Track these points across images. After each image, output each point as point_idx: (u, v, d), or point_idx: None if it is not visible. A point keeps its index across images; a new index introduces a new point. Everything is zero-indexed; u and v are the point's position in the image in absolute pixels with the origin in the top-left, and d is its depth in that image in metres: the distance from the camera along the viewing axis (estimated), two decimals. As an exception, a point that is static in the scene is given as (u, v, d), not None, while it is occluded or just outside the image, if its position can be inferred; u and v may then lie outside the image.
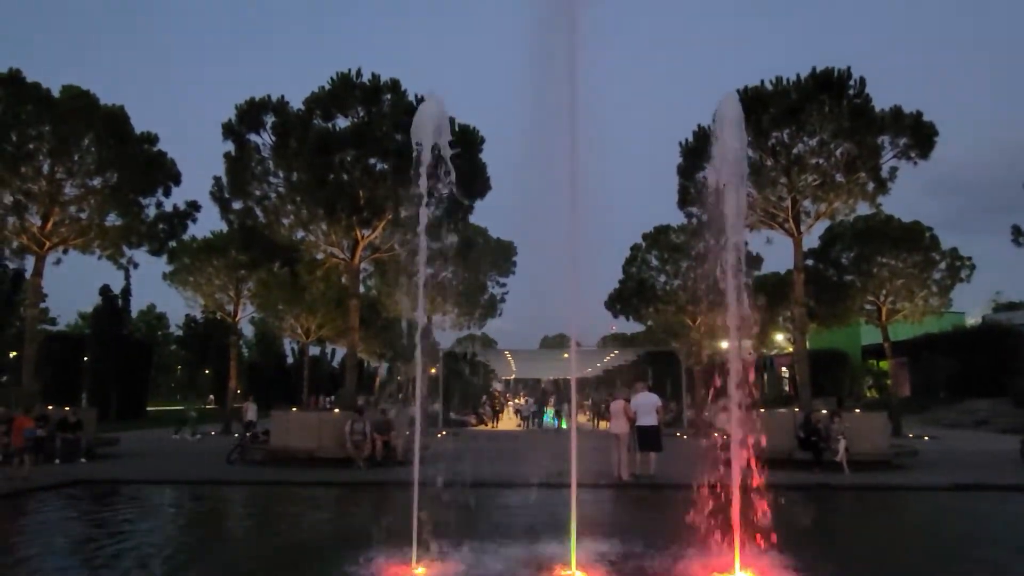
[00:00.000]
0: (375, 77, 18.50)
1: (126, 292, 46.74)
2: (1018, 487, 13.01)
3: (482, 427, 33.27)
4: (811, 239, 24.11)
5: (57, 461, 15.70)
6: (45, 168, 18.60)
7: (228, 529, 10.03)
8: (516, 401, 41.56)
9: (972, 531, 9.87)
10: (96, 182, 19.42)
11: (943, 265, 26.69)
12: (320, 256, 21.43)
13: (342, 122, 18.76)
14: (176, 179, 21.21)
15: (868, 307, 27.69)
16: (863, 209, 20.07)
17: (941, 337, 35.90)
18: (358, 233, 18.81)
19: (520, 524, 7.87)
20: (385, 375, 51.96)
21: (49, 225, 18.79)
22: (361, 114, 18.61)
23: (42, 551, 7.84)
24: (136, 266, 23.16)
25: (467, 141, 19.32)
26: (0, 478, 12.55)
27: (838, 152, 18.08)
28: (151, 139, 20.57)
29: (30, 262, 19.58)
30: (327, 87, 18.56)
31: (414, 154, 7.00)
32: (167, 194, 21.16)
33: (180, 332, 68.70)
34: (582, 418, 34.71)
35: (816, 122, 17.44)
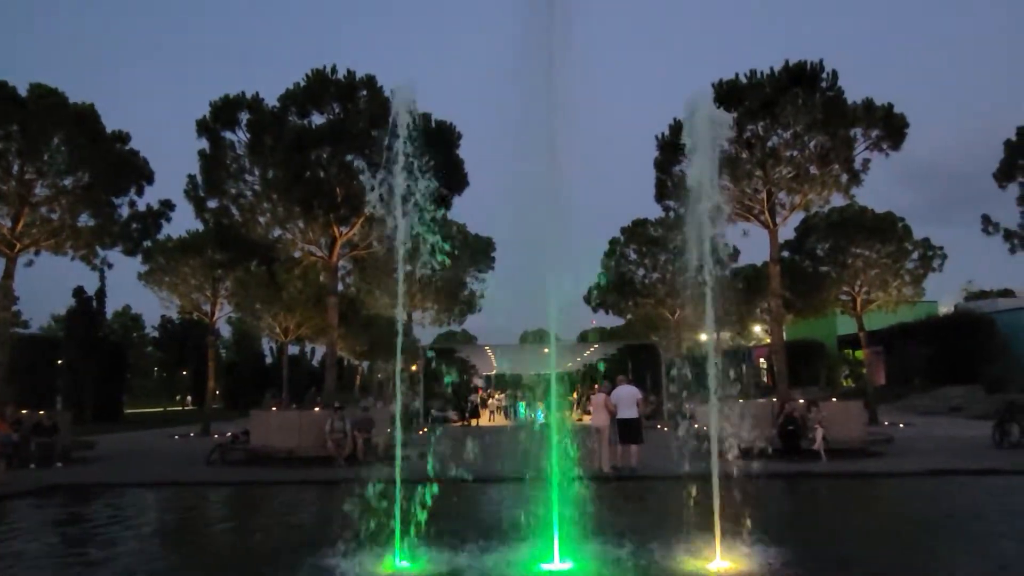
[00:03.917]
0: (350, 74, 18.40)
1: (100, 293, 46.04)
2: (992, 471, 13.29)
3: (464, 423, 33.26)
4: (787, 231, 24.41)
5: (32, 466, 15.45)
6: (15, 168, 18.24)
7: (207, 530, 9.94)
8: (497, 396, 41.54)
9: (947, 514, 10.08)
10: (67, 182, 19.09)
11: (916, 255, 27.14)
12: (298, 254, 21.27)
13: (318, 119, 18.65)
14: (149, 178, 20.92)
15: (843, 297, 28.07)
16: (837, 201, 20.33)
17: (915, 326, 36.47)
18: (336, 230, 18.70)
19: (503, 518, 7.90)
20: (366, 373, 51.82)
21: (20, 226, 18.45)
22: (337, 111, 18.49)
23: (16, 558, 7.73)
24: (110, 267, 22.87)
25: (444, 136, 19.28)
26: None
27: (812, 144, 18.28)
28: (123, 138, 20.27)
29: (1, 264, 19.20)
30: (302, 84, 18.43)
31: (386, 144, 6.96)
32: (140, 193, 20.89)
33: (156, 333, 67.87)
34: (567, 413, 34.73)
35: (790, 115, 17.61)
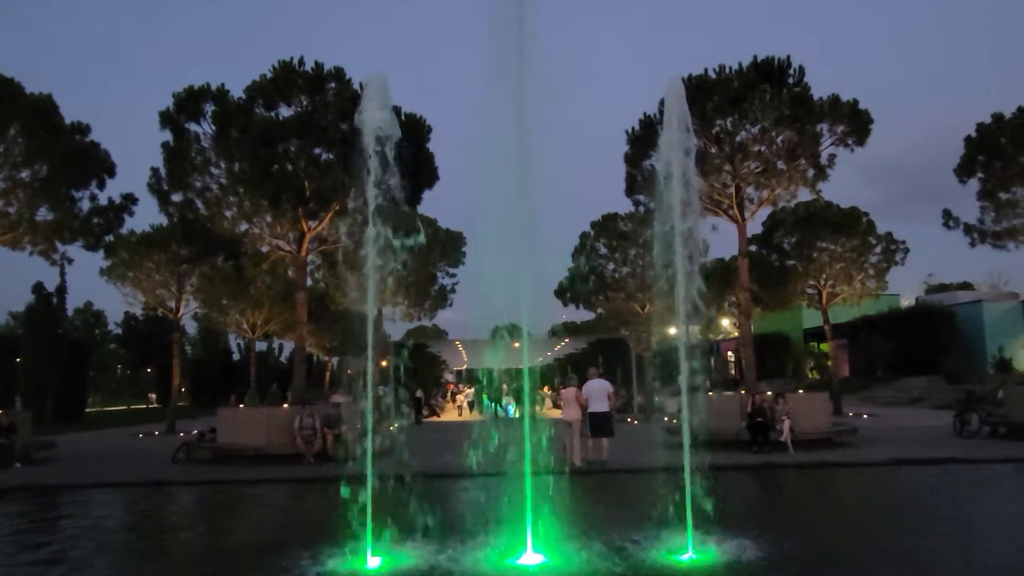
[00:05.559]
0: (318, 65, 18.12)
1: (61, 289, 44.87)
2: (953, 459, 13.62)
3: (435, 418, 33.18)
4: (755, 225, 24.66)
5: (-10, 467, 15.04)
6: (-32, 161, 17.69)
7: (172, 531, 9.74)
8: (466, 391, 41.53)
9: (912, 500, 10.31)
10: (24, 175, 18.55)
11: (879, 249, 27.65)
12: (265, 249, 20.91)
13: (285, 111, 18.33)
14: (110, 171, 20.42)
15: (809, 291, 28.49)
16: (804, 196, 20.58)
17: (878, 319, 37.19)
18: (304, 225, 18.45)
19: (475, 513, 7.88)
20: (335, 369, 51.38)
21: (-26, 220, 17.91)
22: (305, 103, 18.21)
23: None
24: (71, 262, 22.23)
25: (414, 130, 19.11)
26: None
27: (779, 139, 18.46)
28: (82, 129, 19.76)
29: (-45, 260, 18.64)
30: (269, 76, 18.10)
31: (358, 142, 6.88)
32: (101, 186, 20.37)
33: (120, 330, 66.54)
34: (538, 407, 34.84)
35: (758, 110, 17.76)
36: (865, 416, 24.23)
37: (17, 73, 18.35)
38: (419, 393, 32.43)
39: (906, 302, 42.74)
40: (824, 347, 38.37)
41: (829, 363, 31.99)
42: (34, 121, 18.15)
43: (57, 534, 9.05)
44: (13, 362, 36.42)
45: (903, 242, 27.64)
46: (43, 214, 19.34)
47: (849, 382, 35.60)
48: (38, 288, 42.21)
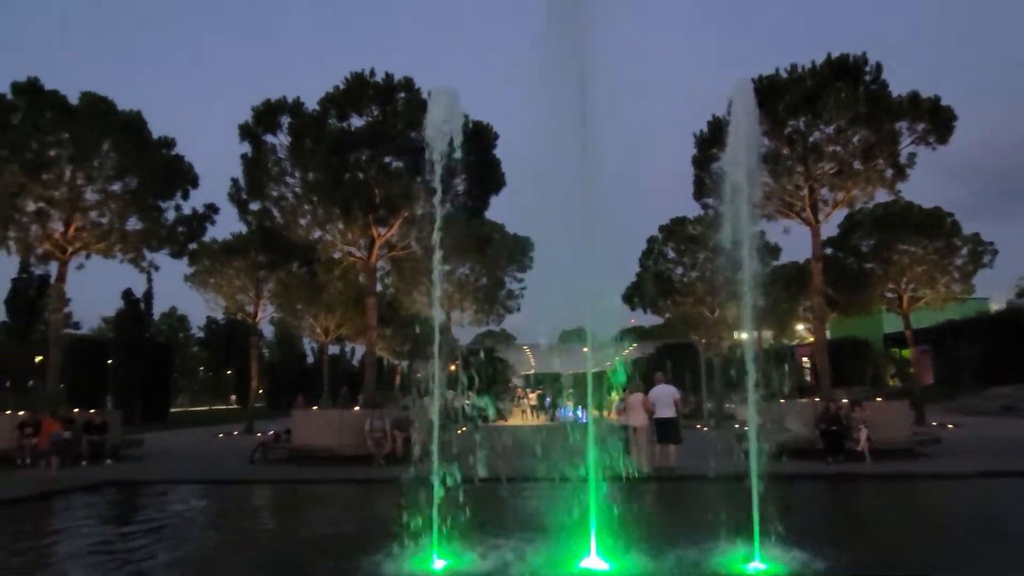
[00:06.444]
0: (388, 76, 18.56)
1: (148, 295, 47.24)
2: (1045, 473, 12.86)
3: (501, 422, 33.37)
4: (830, 227, 23.87)
5: (84, 463, 15.97)
6: (66, 175, 18.84)
7: (250, 527, 10.15)
8: (531, 396, 41.62)
9: (997, 517, 9.77)
10: (116, 187, 19.66)
11: (965, 251, 26.38)
12: (337, 255, 21.53)
13: (357, 121, 18.83)
14: (194, 182, 21.40)
15: (889, 295, 27.44)
16: (882, 196, 19.85)
17: (964, 324, 35.48)
18: (374, 231, 18.90)
19: (541, 517, 7.92)
20: (405, 372, 52.24)
21: (71, 231, 19.05)
22: (375, 113, 18.67)
23: (75, 550, 8.00)
24: (157, 269, 23.39)
25: (480, 137, 19.33)
26: (30, 480, 12.80)
27: (855, 139, 17.87)
28: (168, 143, 20.78)
29: (54, 267, 19.85)
30: (341, 87, 18.64)
31: (426, 151, 7.02)
32: (185, 197, 21.37)
33: (202, 334, 69.43)
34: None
35: (832, 109, 17.24)
36: (950, 426, 23.14)
37: (107, 90, 19.49)
38: (474, 400, 32.55)
39: (996, 306, 40.60)
40: (905, 353, 36.82)
41: (911, 370, 30.69)
42: (125, 137, 19.21)
43: (145, 524, 9.55)
44: (104, 364, 38.46)
45: (991, 243, 26.29)
46: (132, 224, 20.43)
47: (933, 390, 34.05)
48: (127, 294, 44.55)
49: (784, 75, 18.10)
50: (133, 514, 10.87)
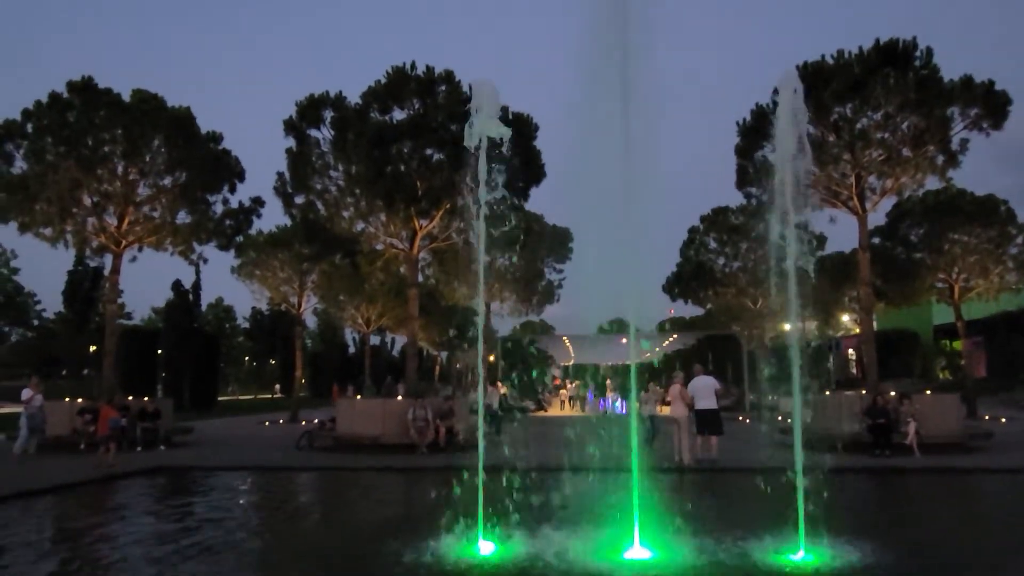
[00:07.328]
0: (429, 69, 18.69)
1: (196, 287, 48.56)
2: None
3: (541, 412, 33.49)
4: (877, 216, 23.38)
5: (138, 449, 16.53)
6: (119, 170, 19.41)
7: (295, 512, 10.44)
8: (570, 386, 41.61)
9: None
10: (167, 181, 20.19)
11: (1020, 239, 25.53)
12: (379, 247, 21.82)
13: (398, 114, 19.01)
14: (240, 176, 21.85)
15: (939, 285, 26.73)
16: (932, 184, 19.34)
17: (1020, 315, 34.35)
18: (416, 223, 19.09)
19: (584, 506, 7.98)
20: (445, 362, 52.70)
21: (125, 224, 19.63)
22: (417, 106, 18.82)
23: (139, 532, 8.33)
24: (206, 261, 24.04)
25: (520, 128, 19.35)
26: (90, 465, 13.33)
27: (904, 125, 17.43)
28: (216, 138, 21.24)
29: (108, 260, 20.50)
30: (383, 80, 18.83)
31: (467, 140, 7.05)
32: (232, 191, 21.81)
33: (247, 324, 71.01)
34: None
35: (881, 95, 16.84)
36: (1003, 420, 22.52)
37: (155, 85, 20.01)
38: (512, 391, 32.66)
39: (1053, 297, 39.23)
40: (957, 345, 35.88)
41: (962, 362, 29.87)
42: (175, 132, 19.70)
43: (200, 508, 9.89)
44: (155, 354, 39.60)
45: (1048, 232, 25.40)
46: (182, 217, 20.97)
47: (986, 383, 33.10)
48: (176, 286, 45.84)
49: (830, 61, 17.73)
50: (188, 498, 11.25)
